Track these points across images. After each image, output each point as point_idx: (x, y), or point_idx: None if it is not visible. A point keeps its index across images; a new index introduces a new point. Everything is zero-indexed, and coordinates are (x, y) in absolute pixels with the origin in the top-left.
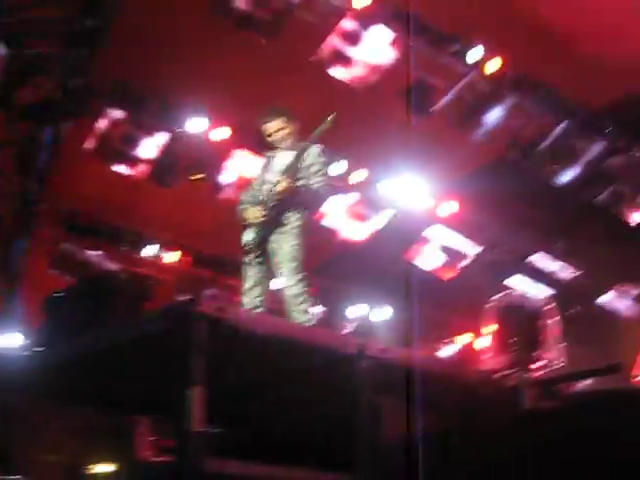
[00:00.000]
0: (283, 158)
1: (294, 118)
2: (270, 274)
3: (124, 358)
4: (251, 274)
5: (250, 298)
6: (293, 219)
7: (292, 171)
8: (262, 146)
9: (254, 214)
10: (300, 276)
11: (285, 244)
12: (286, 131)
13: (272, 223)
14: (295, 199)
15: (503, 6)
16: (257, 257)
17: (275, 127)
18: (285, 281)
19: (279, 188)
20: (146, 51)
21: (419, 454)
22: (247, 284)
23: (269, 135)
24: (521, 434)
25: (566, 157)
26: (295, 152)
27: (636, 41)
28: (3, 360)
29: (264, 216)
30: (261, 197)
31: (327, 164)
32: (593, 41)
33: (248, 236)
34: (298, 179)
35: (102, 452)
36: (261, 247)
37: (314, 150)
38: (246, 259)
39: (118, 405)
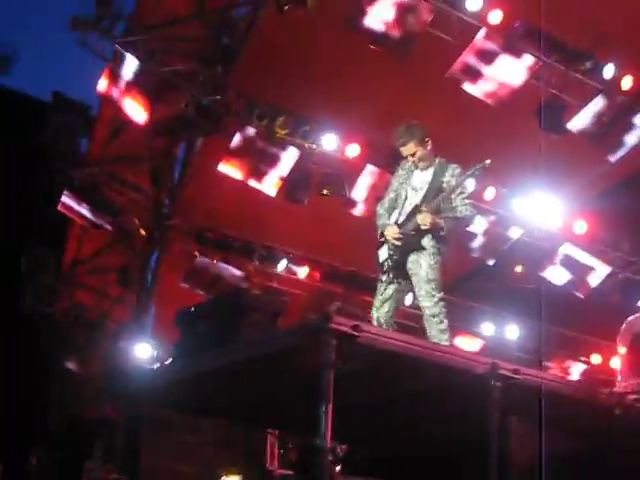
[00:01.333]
0: (422, 176)
1: (428, 136)
2: (404, 293)
3: (257, 373)
4: (385, 291)
5: (381, 314)
6: (433, 241)
7: (433, 196)
8: (397, 161)
9: (392, 234)
10: (438, 296)
11: (423, 265)
12: (422, 152)
13: (411, 245)
14: (438, 224)
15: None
16: (393, 276)
17: (411, 150)
18: (423, 301)
19: (421, 220)
20: (280, 68)
21: (548, 475)
22: (379, 300)
23: (405, 157)
24: None
25: None
26: (433, 170)
27: None
28: (139, 372)
29: (402, 238)
30: (400, 215)
31: (466, 184)
32: None
33: (384, 254)
34: (438, 200)
35: (232, 464)
36: (398, 267)
37: (453, 170)
38: (382, 277)
39: (249, 418)
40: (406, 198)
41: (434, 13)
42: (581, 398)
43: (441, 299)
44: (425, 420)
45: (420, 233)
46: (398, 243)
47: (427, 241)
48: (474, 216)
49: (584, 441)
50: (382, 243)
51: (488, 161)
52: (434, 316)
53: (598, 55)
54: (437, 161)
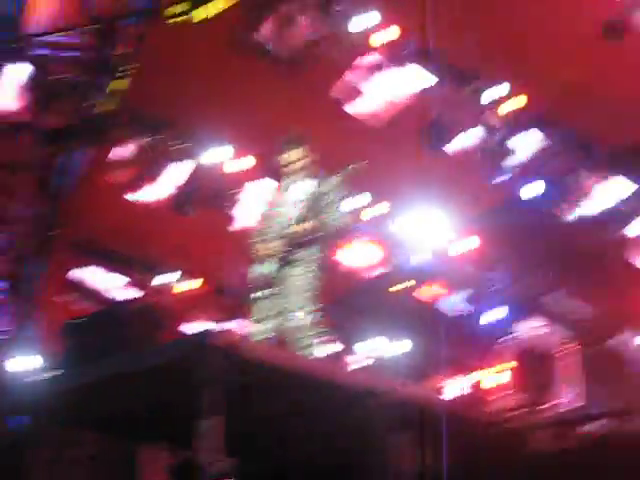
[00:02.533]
0: (301, 188)
1: (313, 147)
2: (282, 307)
3: (139, 386)
4: (263, 307)
5: (260, 330)
6: (309, 253)
7: (314, 206)
8: (278, 175)
9: (268, 248)
10: (312, 308)
11: (300, 277)
12: (305, 161)
13: (287, 257)
14: (315, 236)
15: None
16: (267, 291)
17: (294, 157)
18: (297, 314)
19: (302, 226)
20: (167, 79)
21: None
22: (258, 316)
23: (286, 165)
24: (527, 476)
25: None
26: (315, 182)
27: None
28: (20, 385)
29: (280, 250)
30: (276, 229)
31: (346, 197)
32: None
33: (259, 269)
34: (317, 212)
35: (112, 479)
36: (272, 280)
37: (334, 181)
38: (258, 292)
39: (132, 433)
40: (285, 214)
41: (321, 29)
42: (460, 415)
43: (315, 312)
44: (311, 437)
45: (300, 243)
46: (276, 254)
47: (306, 253)
48: (351, 226)
49: (460, 458)
50: (256, 260)
51: (355, 165)
52: (306, 329)
53: (484, 77)
54: (321, 175)
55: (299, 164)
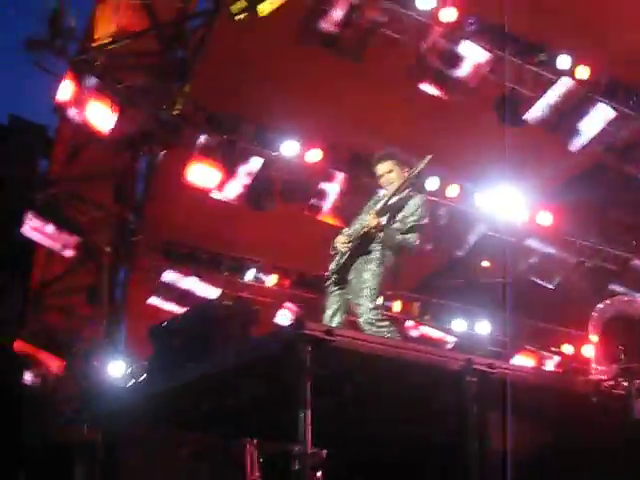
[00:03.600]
0: (386, 199)
1: (404, 162)
2: (349, 302)
3: (233, 383)
4: (332, 302)
5: (332, 325)
6: (375, 250)
7: (387, 211)
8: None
9: (339, 242)
10: (375, 304)
11: (365, 273)
12: (393, 174)
13: (355, 253)
14: (382, 238)
15: (588, 13)
16: (338, 285)
17: (384, 169)
18: (361, 309)
19: (368, 222)
20: (236, 78)
21: (529, 469)
22: (329, 311)
23: (379, 177)
24: (632, 445)
25: None
26: (398, 197)
27: None
28: (114, 391)
29: (348, 245)
30: (354, 231)
31: (424, 217)
32: None
33: (332, 264)
34: (393, 222)
35: (213, 476)
36: (342, 275)
37: (416, 201)
38: (329, 287)
39: (227, 429)
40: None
41: (387, 13)
42: (557, 388)
43: (378, 307)
44: (404, 422)
45: (365, 239)
46: (345, 249)
47: (373, 250)
48: (421, 245)
49: (563, 432)
50: (333, 256)
51: (429, 157)
52: (369, 324)
53: (552, 46)
54: (406, 192)
55: (388, 176)
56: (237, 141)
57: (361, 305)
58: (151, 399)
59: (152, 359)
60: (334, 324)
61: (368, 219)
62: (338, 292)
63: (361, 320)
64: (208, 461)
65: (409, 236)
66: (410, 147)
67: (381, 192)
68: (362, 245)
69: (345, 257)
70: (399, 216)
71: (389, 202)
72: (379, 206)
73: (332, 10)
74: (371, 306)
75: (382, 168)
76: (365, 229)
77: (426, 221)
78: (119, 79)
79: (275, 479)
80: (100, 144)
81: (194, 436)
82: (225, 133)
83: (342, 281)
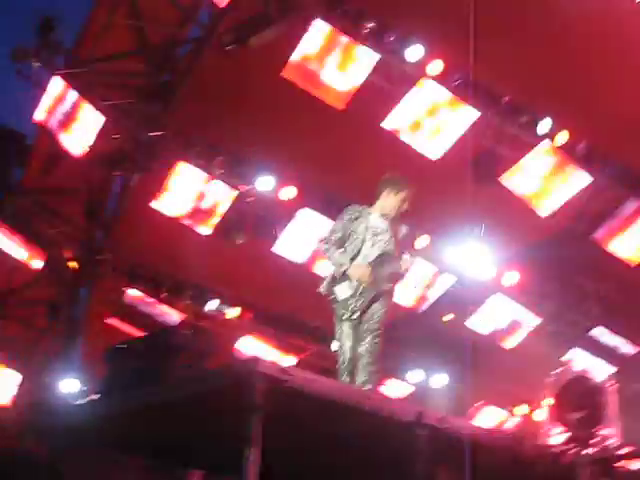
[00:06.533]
0: (379, 221)
1: (401, 188)
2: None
3: (184, 412)
4: (350, 332)
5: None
6: (387, 285)
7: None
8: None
9: (364, 274)
10: (379, 339)
11: (382, 309)
12: (392, 200)
13: (381, 288)
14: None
15: (573, 79)
16: (358, 316)
17: (386, 197)
18: (369, 344)
19: (404, 264)
20: (219, 108)
21: None
22: (349, 342)
23: (403, 202)
24: None
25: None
26: (394, 223)
27: None
28: (64, 407)
29: (370, 279)
30: (364, 256)
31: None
32: None
33: (347, 291)
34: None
35: None
36: (362, 308)
37: (404, 229)
38: (346, 315)
39: (174, 458)
40: (364, 241)
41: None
42: (507, 450)
43: (379, 342)
44: (353, 469)
45: (391, 278)
46: (367, 283)
47: (391, 287)
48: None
49: None
50: (342, 281)
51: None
52: (367, 355)
53: (534, 110)
54: (396, 218)
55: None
56: (213, 171)
57: (370, 341)
58: (100, 420)
59: (106, 380)
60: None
61: (403, 262)
62: (357, 322)
63: (360, 350)
64: None
65: (407, 260)
66: None
67: (366, 210)
68: (386, 285)
69: (367, 292)
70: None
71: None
72: (394, 239)
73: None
74: (375, 340)
75: (384, 196)
76: (402, 271)
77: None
78: (103, 96)
79: None
80: (76, 159)
81: (139, 462)
82: (202, 162)
83: (361, 313)
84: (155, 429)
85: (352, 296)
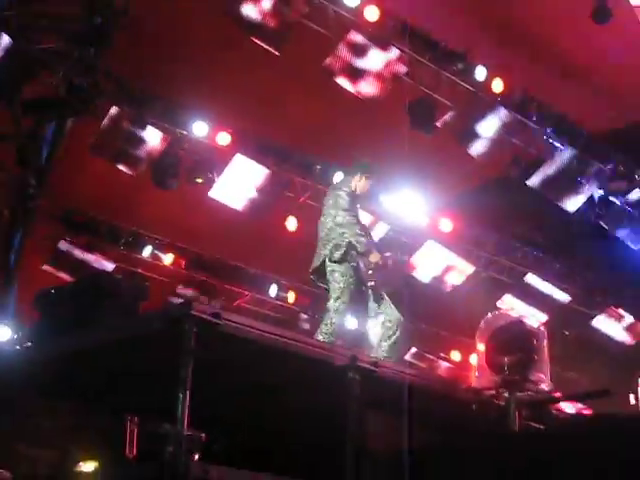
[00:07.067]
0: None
1: (372, 173)
2: None
3: (117, 357)
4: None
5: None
6: None
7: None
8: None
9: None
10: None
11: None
12: (363, 183)
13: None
14: None
15: (513, 27)
16: None
17: (357, 180)
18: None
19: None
20: (153, 53)
21: (408, 470)
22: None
23: (355, 189)
24: (506, 454)
25: (568, 180)
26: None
27: None
28: None
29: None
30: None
31: None
32: (603, 71)
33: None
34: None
35: (89, 449)
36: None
37: None
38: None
39: (108, 403)
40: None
41: (311, 6)
42: (439, 392)
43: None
44: (286, 412)
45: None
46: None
47: None
48: None
49: (443, 436)
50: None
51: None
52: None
53: (470, 57)
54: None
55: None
56: (147, 116)
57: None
58: (33, 366)
59: (37, 325)
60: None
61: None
62: None
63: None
64: (84, 434)
65: None
66: (319, 139)
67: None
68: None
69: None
70: None
71: None
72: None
73: None
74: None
75: (356, 179)
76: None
77: None
78: (35, 41)
79: (153, 459)
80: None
81: (72, 406)
82: (136, 107)
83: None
84: (88, 374)
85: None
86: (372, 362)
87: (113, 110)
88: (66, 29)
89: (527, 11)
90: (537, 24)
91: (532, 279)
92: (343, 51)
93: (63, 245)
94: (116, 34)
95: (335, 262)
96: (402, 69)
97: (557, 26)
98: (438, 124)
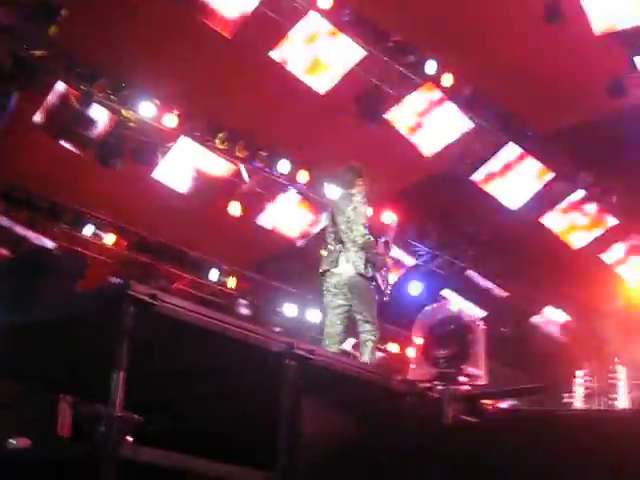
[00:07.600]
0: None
1: (363, 175)
2: None
3: (52, 336)
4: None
5: None
6: None
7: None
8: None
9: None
10: None
11: None
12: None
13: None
14: None
15: (461, 24)
16: None
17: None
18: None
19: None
20: (103, 29)
21: (340, 459)
22: None
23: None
24: (438, 446)
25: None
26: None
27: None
28: None
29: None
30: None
31: None
32: (552, 71)
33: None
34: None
35: (21, 427)
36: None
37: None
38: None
39: (42, 382)
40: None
41: None
42: (374, 383)
43: None
44: (222, 396)
45: None
46: None
47: None
48: None
49: (377, 425)
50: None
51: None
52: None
53: (421, 50)
54: None
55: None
56: (93, 93)
57: None
58: None
59: None
60: None
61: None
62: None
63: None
64: (16, 412)
65: None
66: (268, 129)
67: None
68: None
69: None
70: None
71: None
72: None
73: None
74: None
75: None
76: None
77: None
78: None
79: (86, 439)
80: None
81: (6, 385)
82: (83, 83)
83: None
84: (23, 353)
85: None
86: (308, 350)
87: (59, 86)
88: (13, 2)
89: (479, 10)
90: (488, 22)
91: (472, 275)
92: (294, 38)
93: (3, 221)
94: (64, 9)
95: (367, 279)
96: (352, 59)
97: (508, 25)
98: (385, 116)
